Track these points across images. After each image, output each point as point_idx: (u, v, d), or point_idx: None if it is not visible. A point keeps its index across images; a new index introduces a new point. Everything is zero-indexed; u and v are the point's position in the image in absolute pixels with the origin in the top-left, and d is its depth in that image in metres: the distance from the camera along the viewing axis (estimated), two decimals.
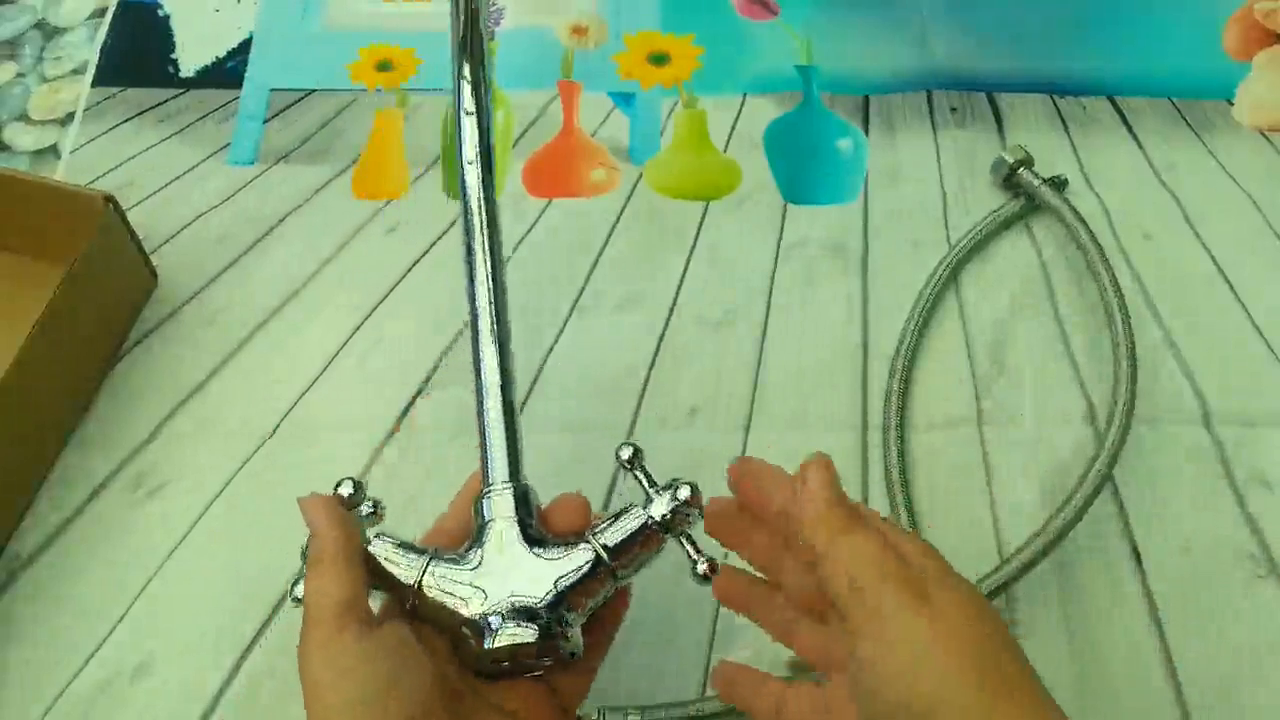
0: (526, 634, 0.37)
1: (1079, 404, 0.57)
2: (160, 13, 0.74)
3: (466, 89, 0.50)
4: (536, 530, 0.40)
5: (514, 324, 0.60)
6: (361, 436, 0.56)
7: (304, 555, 0.38)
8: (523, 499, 0.41)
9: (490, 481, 0.41)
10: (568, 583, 0.38)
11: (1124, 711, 0.48)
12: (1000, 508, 0.53)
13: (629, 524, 0.39)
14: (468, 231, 0.46)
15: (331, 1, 0.74)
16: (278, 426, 0.56)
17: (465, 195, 0.47)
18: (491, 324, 0.44)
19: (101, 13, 0.74)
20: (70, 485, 0.55)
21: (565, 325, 0.60)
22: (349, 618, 0.35)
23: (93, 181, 0.65)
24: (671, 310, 0.61)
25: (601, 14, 0.73)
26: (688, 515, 0.39)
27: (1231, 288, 0.61)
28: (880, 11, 0.73)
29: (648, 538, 0.39)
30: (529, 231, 0.64)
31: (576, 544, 0.39)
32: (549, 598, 0.38)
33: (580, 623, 0.40)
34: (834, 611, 0.35)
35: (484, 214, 0.46)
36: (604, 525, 0.40)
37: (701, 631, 0.50)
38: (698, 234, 0.64)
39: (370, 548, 0.39)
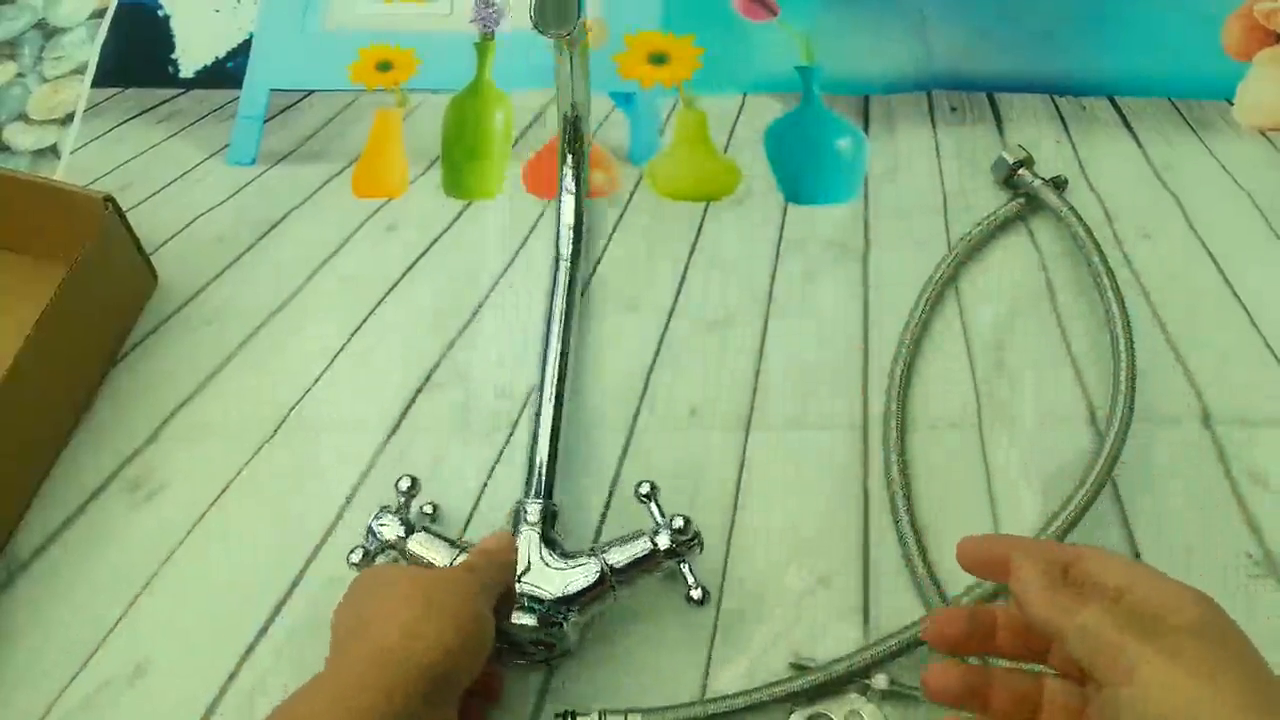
0: (529, 619, 0.45)
1: (1079, 404, 0.57)
2: (160, 13, 0.74)
3: (569, 201, 0.60)
4: (558, 544, 0.48)
5: (512, 323, 0.61)
6: (361, 436, 0.56)
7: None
8: (551, 516, 0.49)
9: (528, 494, 0.50)
10: (574, 588, 0.46)
11: None
12: (1000, 508, 0.54)
13: (635, 549, 0.47)
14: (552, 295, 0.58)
15: (331, 1, 0.74)
16: (278, 427, 0.56)
17: (554, 286, 0.58)
18: (555, 385, 0.54)
19: (101, 13, 0.74)
20: (70, 486, 0.55)
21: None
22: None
23: (93, 181, 0.65)
24: (672, 310, 0.61)
25: (602, 14, 0.73)
26: (689, 544, 0.48)
27: (1231, 288, 0.61)
28: (880, 12, 0.73)
29: (650, 561, 0.47)
30: (530, 232, 0.64)
31: (588, 559, 0.47)
32: (556, 595, 0.46)
33: (579, 625, 0.47)
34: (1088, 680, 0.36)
35: (565, 303, 0.57)
36: (613, 545, 0.48)
37: (702, 634, 0.50)
38: (698, 234, 0.64)
39: (415, 536, 0.48)
